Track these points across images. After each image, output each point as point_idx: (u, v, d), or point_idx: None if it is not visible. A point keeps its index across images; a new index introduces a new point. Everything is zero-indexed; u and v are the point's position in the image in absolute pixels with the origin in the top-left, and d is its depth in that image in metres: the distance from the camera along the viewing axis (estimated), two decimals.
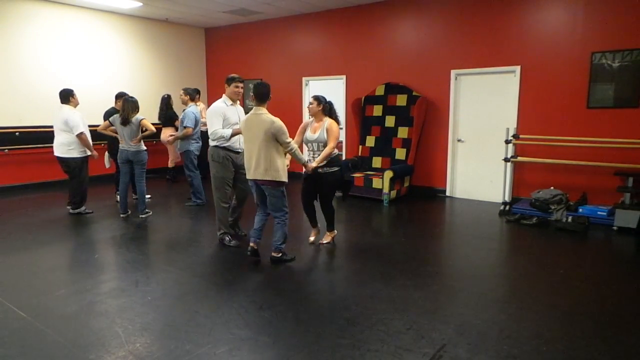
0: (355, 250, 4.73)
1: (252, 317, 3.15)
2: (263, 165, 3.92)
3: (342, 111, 8.24)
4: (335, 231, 4.86)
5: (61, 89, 5.87)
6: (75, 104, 5.88)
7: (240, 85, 4.68)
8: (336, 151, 4.49)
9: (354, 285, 3.77)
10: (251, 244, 4.22)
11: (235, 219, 5.00)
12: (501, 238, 5.39)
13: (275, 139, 3.90)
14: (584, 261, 4.43)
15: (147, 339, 2.87)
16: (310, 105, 4.47)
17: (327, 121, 4.41)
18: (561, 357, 2.67)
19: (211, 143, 4.62)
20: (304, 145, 4.62)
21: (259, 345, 2.79)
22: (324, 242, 4.77)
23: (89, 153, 5.96)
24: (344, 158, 8.48)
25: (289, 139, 3.96)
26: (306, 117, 9.00)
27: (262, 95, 3.99)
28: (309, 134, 4.48)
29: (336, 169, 4.48)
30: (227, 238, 4.78)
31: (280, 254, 4.21)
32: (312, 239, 4.82)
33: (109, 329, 3.00)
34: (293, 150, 4.02)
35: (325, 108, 4.47)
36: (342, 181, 4.61)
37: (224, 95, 4.71)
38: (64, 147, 5.80)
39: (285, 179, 4.00)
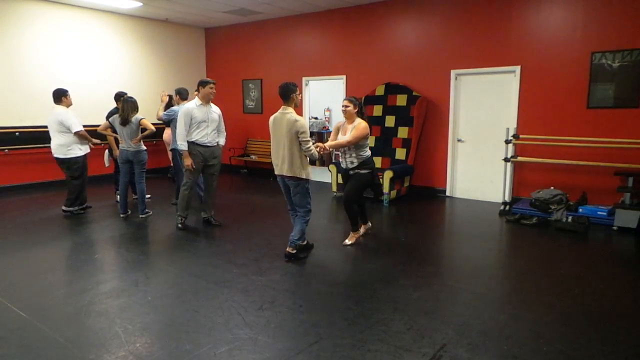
0: (355, 250, 4.73)
1: (252, 317, 3.15)
2: (287, 161, 4.05)
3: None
4: (361, 231, 4.91)
5: (54, 89, 5.85)
6: (68, 104, 5.85)
7: (214, 86, 5.22)
8: (369, 153, 4.55)
9: (354, 285, 3.77)
10: (288, 249, 4.31)
11: (206, 206, 5.57)
12: (501, 238, 5.39)
13: (297, 137, 4.00)
14: (584, 261, 4.42)
15: (147, 339, 2.87)
16: (347, 108, 4.47)
17: (357, 121, 4.46)
18: (561, 357, 2.67)
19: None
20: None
21: (259, 345, 2.79)
22: (347, 243, 4.76)
23: (87, 150, 5.96)
24: None
25: (309, 140, 4.02)
26: (306, 117, 9.03)
27: (282, 95, 4.10)
28: (340, 137, 4.52)
29: (366, 171, 4.51)
30: (178, 220, 5.37)
31: (295, 251, 4.29)
32: (347, 242, 4.78)
33: (109, 329, 3.00)
34: (310, 152, 4.07)
35: (359, 110, 4.52)
36: (371, 183, 4.64)
37: (196, 97, 5.21)
38: (63, 148, 5.79)
39: (307, 176, 4.11)
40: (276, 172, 4.24)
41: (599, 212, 5.57)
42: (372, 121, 7.67)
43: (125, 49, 8.94)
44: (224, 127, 5.52)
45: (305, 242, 4.47)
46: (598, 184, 5.99)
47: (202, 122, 5.15)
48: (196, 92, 5.21)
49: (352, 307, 3.31)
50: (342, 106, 4.52)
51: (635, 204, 5.36)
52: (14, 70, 7.48)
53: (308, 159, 4.20)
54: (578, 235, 5.19)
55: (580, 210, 5.67)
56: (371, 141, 7.63)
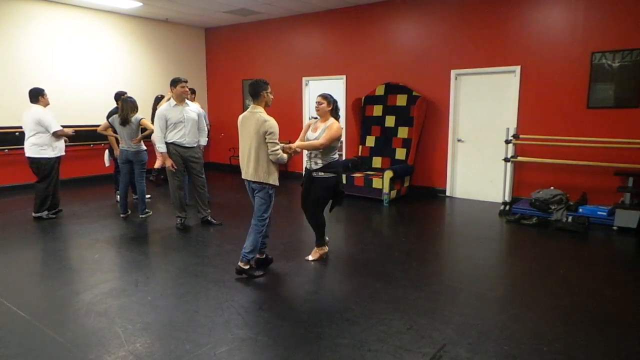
0: (355, 250, 4.73)
1: (252, 317, 3.15)
2: (253, 165, 3.80)
3: (342, 111, 8.22)
4: (326, 248, 4.36)
5: (30, 88, 5.70)
6: (45, 104, 5.70)
7: (186, 84, 5.16)
8: (337, 156, 4.19)
9: (354, 285, 3.77)
10: (239, 264, 3.91)
11: (200, 207, 5.53)
12: (501, 238, 5.39)
13: (264, 138, 3.74)
14: (584, 261, 4.42)
15: (147, 339, 2.87)
16: (320, 105, 4.17)
17: (330, 121, 4.16)
18: (561, 357, 2.67)
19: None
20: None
21: (259, 345, 2.79)
22: (310, 259, 4.27)
23: (62, 154, 5.80)
24: (344, 158, 8.48)
25: (277, 143, 3.75)
26: (306, 117, 9.02)
27: (251, 92, 3.93)
28: (309, 133, 4.24)
29: (331, 175, 4.07)
30: (177, 221, 5.41)
31: (248, 266, 3.84)
32: (310, 257, 4.31)
33: (109, 329, 3.00)
34: (277, 157, 3.76)
35: (333, 108, 4.22)
36: (335, 190, 4.16)
37: (171, 97, 5.18)
38: (36, 147, 5.62)
39: (274, 182, 3.83)
40: (243, 176, 3.93)
41: (599, 212, 5.56)
42: (372, 121, 7.70)
43: (125, 49, 8.94)
44: (204, 126, 5.48)
45: (264, 256, 4.08)
46: (598, 184, 5.99)
47: (178, 123, 5.09)
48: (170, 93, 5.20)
49: (352, 307, 3.31)
50: (316, 102, 4.18)
51: (635, 204, 5.36)
52: (14, 70, 7.48)
53: (276, 164, 3.84)
54: (578, 235, 5.19)
55: (580, 210, 5.66)
56: (371, 141, 7.68)
